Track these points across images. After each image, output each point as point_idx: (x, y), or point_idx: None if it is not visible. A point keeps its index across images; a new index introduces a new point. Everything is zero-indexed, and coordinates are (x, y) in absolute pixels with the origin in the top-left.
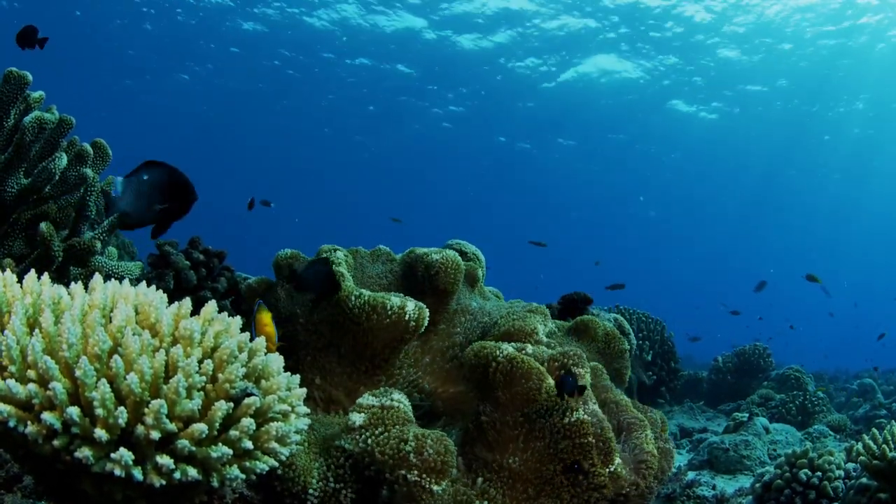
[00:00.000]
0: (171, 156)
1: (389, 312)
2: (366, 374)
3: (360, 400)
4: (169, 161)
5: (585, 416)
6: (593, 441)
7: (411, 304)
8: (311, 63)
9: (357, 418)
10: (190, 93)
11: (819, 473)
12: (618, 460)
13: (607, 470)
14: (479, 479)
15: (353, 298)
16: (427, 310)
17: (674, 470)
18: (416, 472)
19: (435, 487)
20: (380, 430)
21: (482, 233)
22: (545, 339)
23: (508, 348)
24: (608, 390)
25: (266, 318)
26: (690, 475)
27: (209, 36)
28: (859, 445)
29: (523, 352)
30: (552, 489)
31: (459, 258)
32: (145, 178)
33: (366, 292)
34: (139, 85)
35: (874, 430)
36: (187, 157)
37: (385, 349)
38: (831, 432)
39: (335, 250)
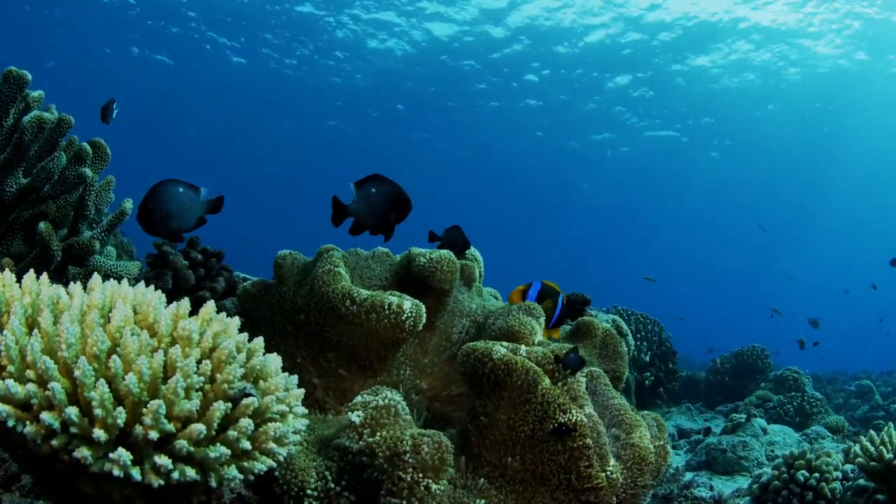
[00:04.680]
0: (170, 155)
1: (387, 312)
2: (364, 375)
3: (357, 398)
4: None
5: (582, 418)
6: (590, 443)
7: (408, 303)
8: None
9: (355, 417)
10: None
11: (817, 475)
12: (613, 462)
13: (604, 473)
14: (481, 480)
15: (350, 298)
16: (424, 308)
17: (671, 470)
18: (412, 470)
19: (432, 486)
20: (377, 428)
21: (492, 231)
22: (538, 340)
23: (501, 349)
24: (605, 393)
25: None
26: (688, 476)
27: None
28: (857, 447)
29: (517, 353)
30: (550, 490)
31: (454, 257)
32: (373, 191)
33: (364, 291)
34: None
35: (872, 431)
36: (187, 156)
37: (382, 349)
38: (829, 433)
39: (333, 250)
